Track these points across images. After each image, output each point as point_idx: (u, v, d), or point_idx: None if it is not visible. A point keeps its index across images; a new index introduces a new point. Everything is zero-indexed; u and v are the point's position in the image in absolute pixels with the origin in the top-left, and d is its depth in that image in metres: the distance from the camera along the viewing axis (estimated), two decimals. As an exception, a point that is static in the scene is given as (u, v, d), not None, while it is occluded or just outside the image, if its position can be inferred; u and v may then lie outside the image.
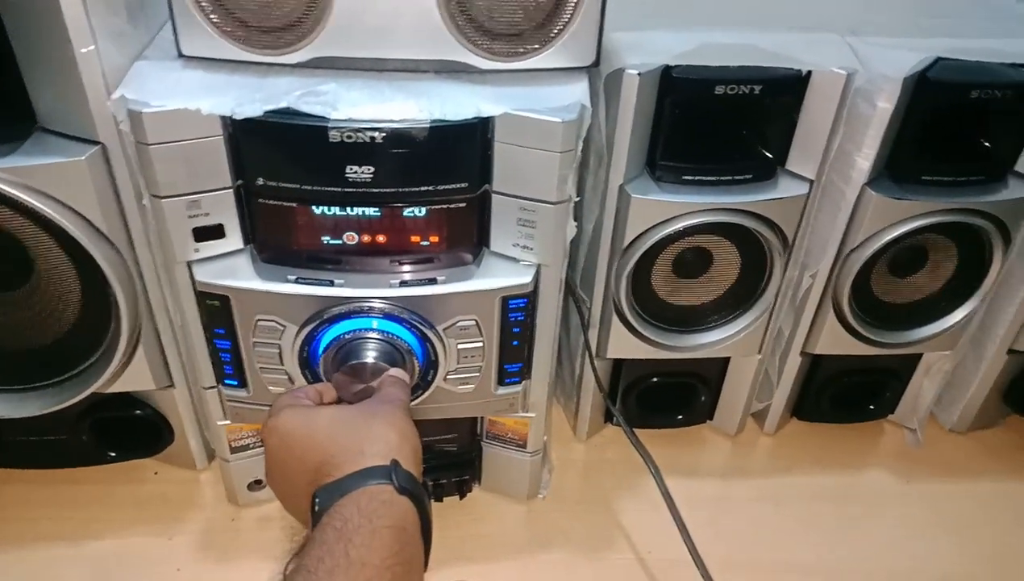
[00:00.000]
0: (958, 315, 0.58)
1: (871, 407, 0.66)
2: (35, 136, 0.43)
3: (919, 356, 0.63)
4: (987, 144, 0.51)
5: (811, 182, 0.51)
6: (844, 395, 0.65)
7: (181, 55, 0.43)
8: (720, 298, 0.57)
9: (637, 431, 0.56)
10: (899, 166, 0.51)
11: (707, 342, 0.58)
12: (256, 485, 0.58)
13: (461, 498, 0.59)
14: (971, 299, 0.58)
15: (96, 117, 0.42)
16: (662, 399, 0.64)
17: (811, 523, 0.60)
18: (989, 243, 0.55)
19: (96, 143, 0.43)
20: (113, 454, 0.60)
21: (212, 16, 0.41)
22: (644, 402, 0.63)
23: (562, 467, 0.63)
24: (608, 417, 0.66)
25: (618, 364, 0.61)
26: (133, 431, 0.59)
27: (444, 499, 0.59)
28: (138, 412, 0.57)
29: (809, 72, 0.47)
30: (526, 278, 0.46)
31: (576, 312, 0.59)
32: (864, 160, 0.50)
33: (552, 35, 0.43)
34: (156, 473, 0.61)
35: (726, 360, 0.62)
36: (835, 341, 0.59)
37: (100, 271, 0.47)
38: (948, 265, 0.57)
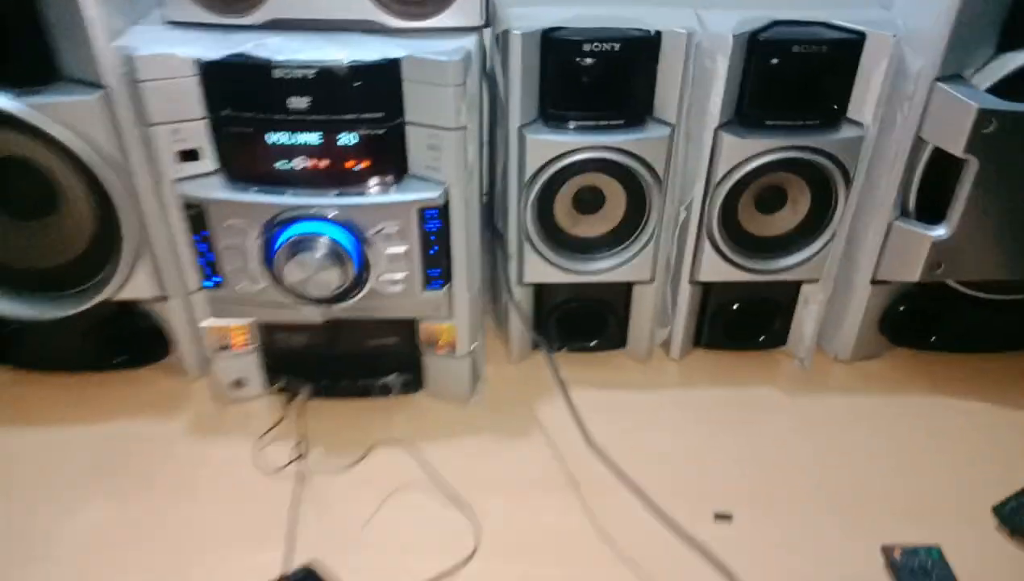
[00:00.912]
0: (816, 246, 0.69)
1: (762, 337, 0.77)
2: (58, 84, 0.58)
3: (797, 289, 0.74)
4: (818, 94, 0.63)
5: (672, 126, 0.63)
6: (736, 324, 0.75)
7: (166, 21, 0.57)
8: (613, 230, 0.69)
9: (559, 356, 0.68)
10: (745, 113, 0.63)
11: (603, 268, 0.70)
12: (237, 385, 0.71)
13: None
14: (825, 231, 0.69)
15: (101, 66, 0.56)
16: (578, 325, 0.75)
17: (704, 422, 0.70)
18: (832, 181, 0.66)
19: (102, 87, 0.57)
20: (117, 361, 0.73)
21: (193, -10, 0.56)
22: (562, 327, 0.75)
23: (495, 382, 0.74)
24: (535, 345, 0.77)
25: (539, 293, 0.73)
26: (136, 342, 0.72)
27: (391, 397, 0.71)
28: (140, 324, 0.71)
29: (658, 32, 0.60)
30: (435, 193, 0.59)
31: (501, 250, 0.71)
32: (713, 107, 0.62)
33: (445, 4, 0.57)
34: (151, 387, 0.74)
35: (630, 290, 0.74)
36: (714, 269, 0.70)
37: (108, 194, 0.61)
38: (804, 202, 0.68)
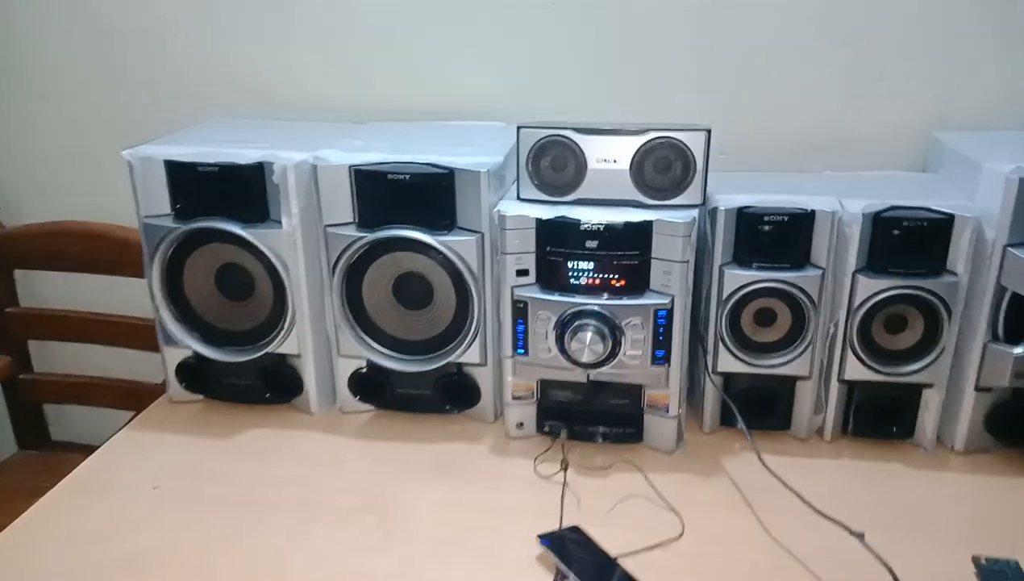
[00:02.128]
0: (929, 359, 0.98)
1: (894, 428, 1.04)
2: (455, 230, 1.02)
3: (920, 393, 1.02)
4: (924, 253, 0.95)
5: (823, 269, 0.97)
6: (875, 417, 1.04)
7: (519, 198, 1.00)
8: (783, 338, 1.02)
9: (736, 429, 1.00)
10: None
11: (775, 363, 1.02)
12: (519, 427, 1.07)
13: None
14: (935, 348, 0.98)
15: (483, 221, 0.99)
16: (756, 407, 1.06)
17: (843, 478, 0.98)
18: (938, 312, 0.96)
19: (480, 232, 1.00)
20: (448, 407, 1.12)
21: (535, 181, 0.99)
22: (743, 409, 1.06)
23: (692, 443, 1.06)
24: (723, 420, 1.08)
25: (727, 380, 1.06)
26: (460, 394, 1.11)
27: (619, 443, 1.05)
28: (465, 381, 1.10)
29: (813, 211, 0.96)
30: (666, 300, 0.96)
31: (701, 347, 1.06)
32: (852, 258, 0.96)
33: (681, 191, 0.96)
34: (462, 425, 1.12)
35: (794, 384, 1.04)
36: (854, 370, 1.00)
37: (469, 295, 1.03)
38: (919, 327, 0.98)
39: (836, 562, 0.83)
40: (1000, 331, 0.96)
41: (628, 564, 0.85)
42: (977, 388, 0.99)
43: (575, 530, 0.90)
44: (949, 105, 1.16)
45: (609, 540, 0.88)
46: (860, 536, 0.88)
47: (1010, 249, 0.92)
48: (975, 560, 0.83)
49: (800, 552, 0.86)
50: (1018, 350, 0.94)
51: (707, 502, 0.95)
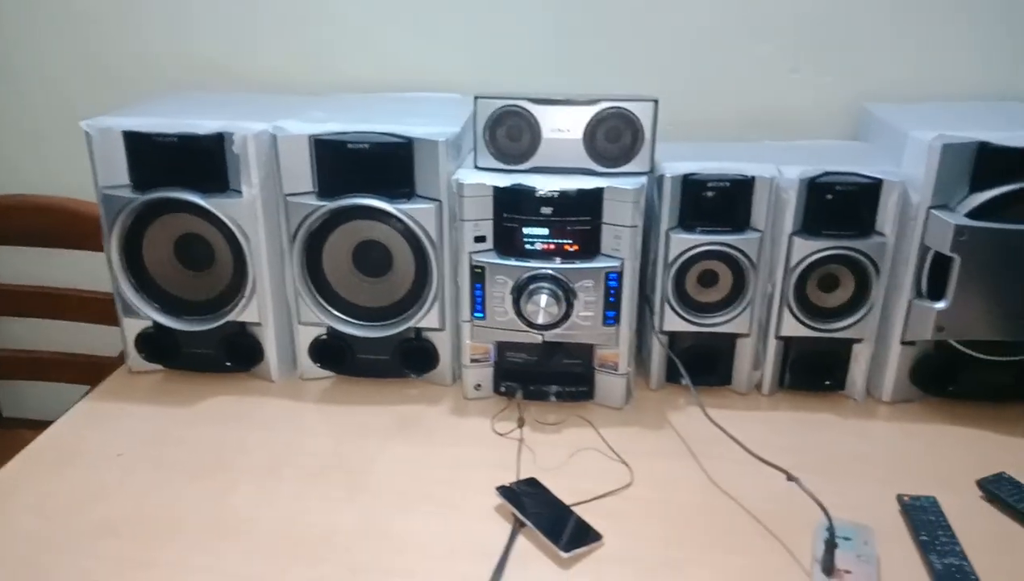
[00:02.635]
0: (859, 315, 1.05)
1: (828, 382, 1.11)
2: (414, 198, 1.05)
3: (851, 347, 1.09)
4: (855, 216, 1.02)
5: (761, 232, 1.03)
6: (809, 371, 1.11)
7: (476, 166, 1.04)
8: (724, 298, 1.08)
9: (681, 386, 1.06)
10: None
11: (716, 322, 1.08)
12: (477, 389, 1.12)
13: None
14: (865, 305, 1.05)
15: (441, 190, 1.03)
16: (699, 364, 1.12)
17: (777, 429, 1.05)
18: (867, 271, 1.03)
19: (438, 200, 1.03)
20: (407, 371, 1.15)
21: (491, 150, 1.02)
22: (687, 365, 1.12)
23: (639, 399, 1.12)
24: (669, 377, 1.14)
25: (672, 339, 1.12)
26: (420, 359, 1.15)
27: (572, 401, 1.10)
28: (424, 346, 1.13)
29: (753, 177, 1.01)
30: (616, 263, 1.01)
31: (648, 309, 1.11)
32: (788, 222, 1.02)
33: (630, 159, 1.01)
34: (422, 388, 1.16)
35: (733, 339, 1.11)
36: (790, 327, 1.07)
37: (427, 261, 1.06)
38: (850, 285, 1.05)
39: (773, 502, 0.89)
40: (924, 288, 1.03)
41: (581, 511, 0.90)
42: (903, 342, 1.06)
43: (531, 482, 0.95)
44: (879, 78, 1.23)
45: (563, 490, 0.93)
46: (796, 480, 0.95)
47: (933, 211, 0.99)
48: (899, 498, 0.90)
49: (739, 494, 0.92)
50: (939, 305, 1.01)
51: (654, 452, 1.01)
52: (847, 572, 0.79)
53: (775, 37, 1.23)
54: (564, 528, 0.86)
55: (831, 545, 0.79)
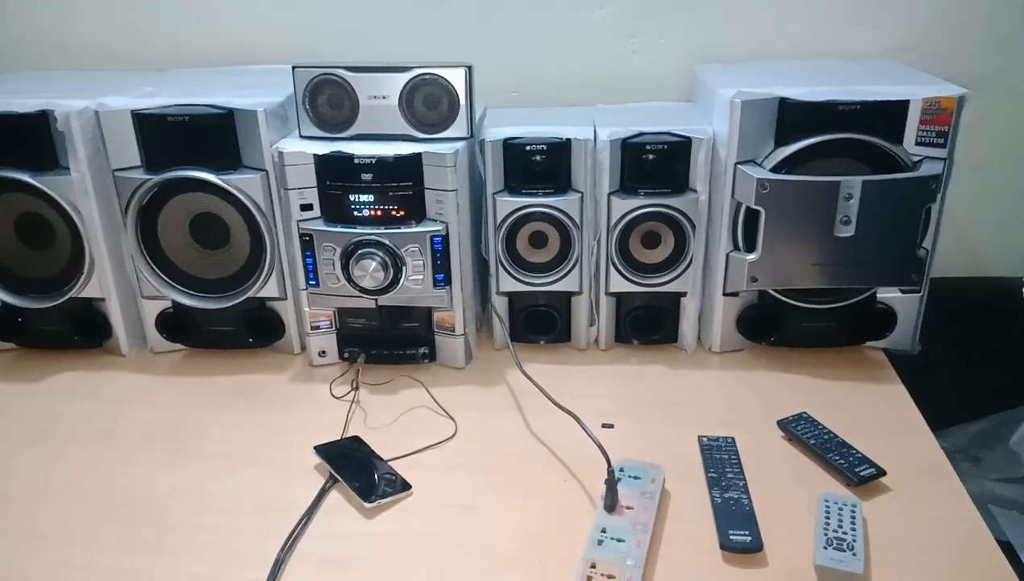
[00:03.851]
0: (680, 269, 1.10)
1: (657, 335, 1.16)
2: (240, 169, 1.06)
3: (679, 301, 1.13)
4: (668, 173, 1.06)
5: (581, 193, 1.07)
6: (641, 325, 1.15)
7: (301, 136, 1.06)
8: (554, 257, 1.11)
9: (526, 343, 1.11)
10: (625, 185, 1.07)
11: (549, 281, 1.12)
12: (321, 355, 1.14)
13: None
14: (684, 259, 1.09)
15: (265, 159, 1.04)
16: (537, 323, 1.16)
17: (614, 380, 1.09)
18: (684, 227, 1.07)
19: (264, 170, 1.05)
20: (251, 340, 1.17)
21: (312, 119, 1.04)
22: (528, 324, 1.16)
23: (482, 360, 1.15)
24: (514, 336, 1.18)
25: (511, 299, 1.15)
26: (263, 328, 1.17)
27: (414, 364, 1.13)
28: (267, 315, 1.16)
29: (569, 139, 1.05)
30: (440, 227, 1.03)
31: (486, 272, 1.14)
32: (604, 182, 1.06)
33: (449, 125, 1.03)
34: (270, 358, 1.18)
35: (568, 298, 1.15)
36: (617, 284, 1.11)
37: (260, 231, 1.08)
38: (670, 241, 1.09)
39: (583, 449, 0.92)
40: (740, 241, 1.08)
41: (398, 465, 0.93)
42: (725, 293, 1.11)
43: (355, 439, 0.98)
44: (714, 41, 1.27)
45: (386, 446, 0.96)
46: (610, 426, 0.99)
47: (739, 166, 1.03)
48: (699, 439, 0.95)
49: (552, 443, 0.96)
50: (751, 257, 1.05)
51: (483, 408, 1.04)
52: (628, 508, 0.83)
53: (613, 2, 1.26)
54: (374, 481, 0.90)
55: (612, 483, 0.83)
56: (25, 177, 1.05)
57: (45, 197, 1.07)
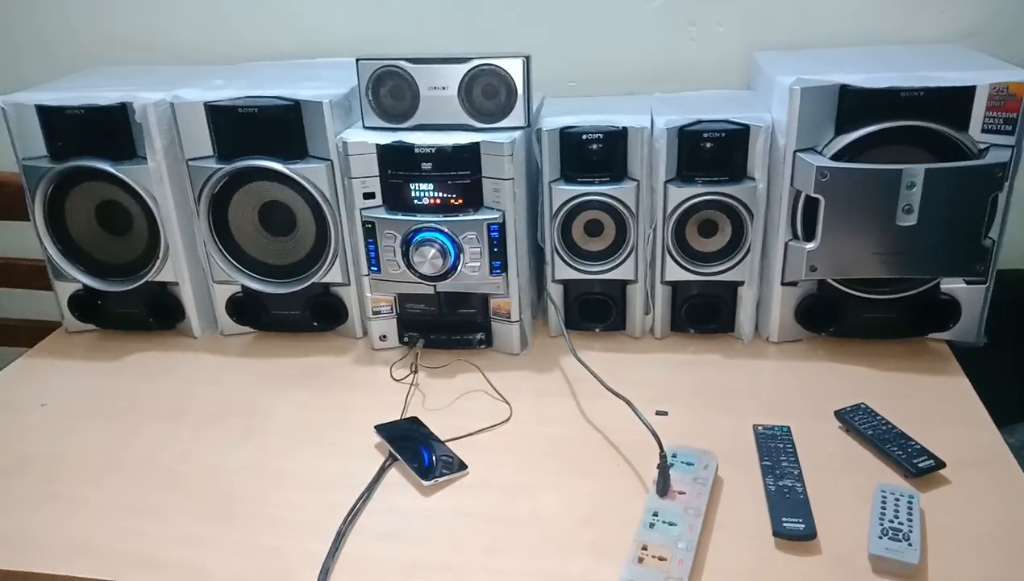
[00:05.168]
0: (737, 258, 1.09)
1: (713, 325, 1.15)
2: (306, 158, 1.10)
3: (736, 290, 1.13)
4: (727, 161, 1.05)
5: (638, 181, 1.07)
6: (697, 314, 1.15)
7: (364, 127, 1.09)
8: (609, 246, 1.12)
9: (581, 331, 1.12)
10: (682, 173, 1.07)
11: (604, 269, 1.13)
12: (382, 339, 1.18)
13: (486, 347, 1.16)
14: (742, 248, 1.09)
15: (330, 149, 1.08)
16: (592, 311, 1.17)
17: (670, 369, 1.10)
18: (742, 215, 1.07)
19: (329, 160, 1.09)
20: (316, 324, 1.22)
21: (376, 110, 1.07)
22: (583, 312, 1.17)
23: (537, 346, 1.17)
24: (568, 324, 1.19)
25: (566, 288, 1.17)
26: (327, 313, 1.21)
27: (471, 349, 1.15)
28: (331, 301, 1.20)
29: (625, 128, 1.05)
30: (497, 215, 1.06)
31: (542, 260, 1.16)
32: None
33: (506, 115, 1.05)
34: (333, 341, 1.22)
35: (624, 286, 1.15)
36: (673, 272, 1.11)
37: (325, 219, 1.12)
38: (727, 230, 1.09)
39: (636, 435, 0.93)
40: (799, 230, 1.07)
41: (455, 445, 0.96)
42: (783, 283, 1.10)
43: (413, 420, 1.01)
44: (771, 28, 1.25)
45: (444, 427, 0.99)
46: (664, 414, 1.00)
47: (799, 154, 1.02)
48: (754, 427, 0.95)
49: (605, 427, 0.98)
50: (810, 246, 1.05)
51: (537, 393, 1.06)
52: (680, 492, 0.84)
53: (670, -6, 1.26)
54: (433, 460, 0.93)
55: (665, 467, 0.84)
56: (106, 166, 1.11)
57: (124, 185, 1.13)
